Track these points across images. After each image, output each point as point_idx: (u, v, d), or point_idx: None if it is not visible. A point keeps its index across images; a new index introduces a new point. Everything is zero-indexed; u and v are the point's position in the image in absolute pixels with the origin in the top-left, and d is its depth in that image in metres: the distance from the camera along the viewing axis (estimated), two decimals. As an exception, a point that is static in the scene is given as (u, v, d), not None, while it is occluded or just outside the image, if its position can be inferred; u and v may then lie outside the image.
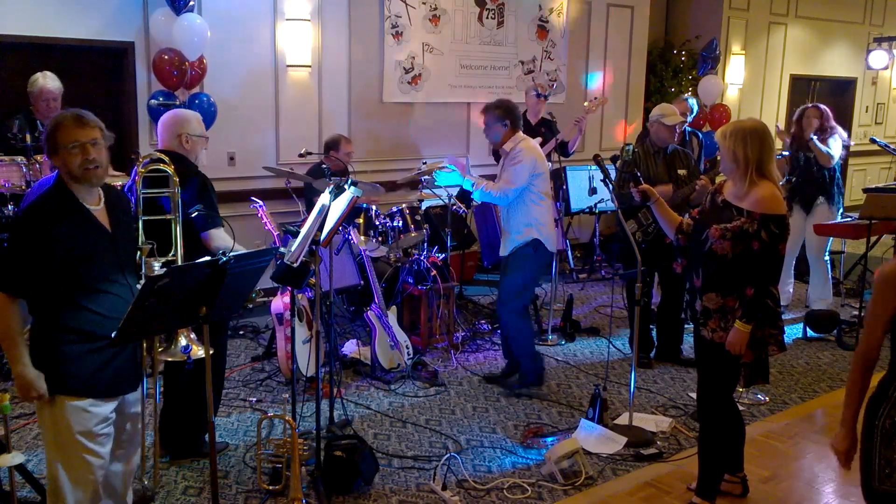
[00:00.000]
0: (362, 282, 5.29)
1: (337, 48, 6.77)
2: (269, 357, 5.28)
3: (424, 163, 6.41)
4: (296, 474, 3.37)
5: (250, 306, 5.87)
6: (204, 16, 5.89)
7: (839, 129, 6.30)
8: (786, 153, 6.36)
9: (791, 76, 10.97)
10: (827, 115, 6.25)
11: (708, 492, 3.43)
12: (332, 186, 3.51)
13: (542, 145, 6.04)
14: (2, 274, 2.55)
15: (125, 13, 5.80)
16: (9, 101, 5.41)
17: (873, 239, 6.40)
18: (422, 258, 5.50)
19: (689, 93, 9.04)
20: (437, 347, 5.56)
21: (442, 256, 5.66)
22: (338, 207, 3.46)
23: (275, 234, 4.71)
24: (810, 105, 6.36)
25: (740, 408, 3.74)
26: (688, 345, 5.34)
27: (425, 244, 5.77)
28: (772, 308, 3.20)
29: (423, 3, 7.20)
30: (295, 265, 3.31)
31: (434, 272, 5.40)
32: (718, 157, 3.52)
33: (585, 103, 6.96)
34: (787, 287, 6.73)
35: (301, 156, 5.60)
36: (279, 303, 4.80)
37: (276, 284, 3.64)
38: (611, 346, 5.62)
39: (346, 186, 3.51)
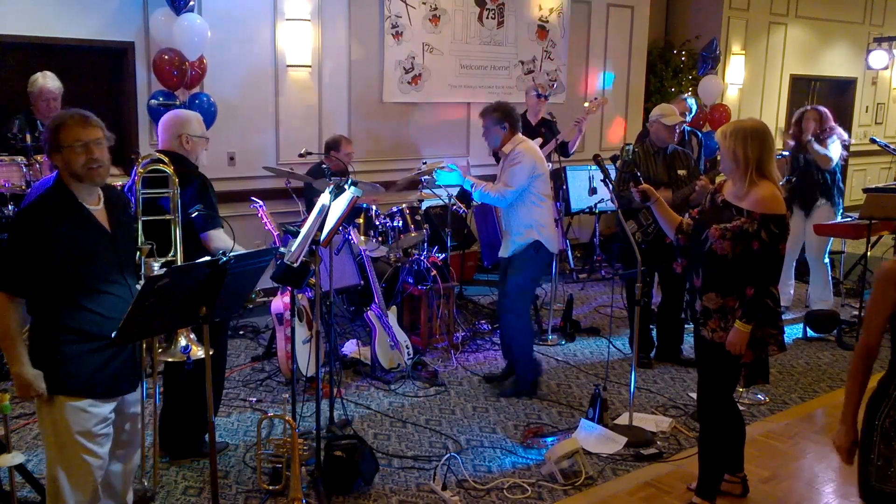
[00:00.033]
0: (362, 282, 5.29)
1: (337, 48, 6.77)
2: (269, 357, 5.28)
3: (424, 163, 6.42)
4: (296, 474, 3.37)
5: (250, 307, 5.90)
6: (204, 16, 5.89)
7: (839, 130, 6.26)
8: (786, 153, 6.35)
9: (791, 76, 10.97)
10: (826, 117, 6.21)
11: (708, 492, 3.43)
12: (332, 186, 3.51)
13: (542, 146, 6.04)
14: (1, 273, 2.55)
15: (125, 13, 5.80)
16: (9, 101, 5.41)
17: (873, 239, 6.41)
18: (422, 258, 5.50)
19: (689, 93, 9.04)
20: (437, 347, 5.56)
21: (442, 256, 5.66)
22: (338, 207, 3.46)
23: (275, 234, 4.72)
24: (809, 107, 6.34)
25: (740, 408, 3.74)
26: (688, 345, 5.34)
27: (425, 244, 5.77)
28: (772, 308, 3.20)
29: (423, 3, 7.20)
30: (295, 265, 3.31)
31: (434, 272, 5.40)
32: (718, 157, 3.52)
33: (586, 104, 6.97)
34: (789, 290, 6.72)
35: (301, 156, 5.61)
36: (279, 303, 4.80)
37: (276, 284, 3.64)
38: (611, 346, 5.62)
39: (346, 186, 3.51)
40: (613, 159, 4.98)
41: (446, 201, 6.00)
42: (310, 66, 6.60)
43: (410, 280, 5.52)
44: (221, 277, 2.59)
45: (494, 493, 3.62)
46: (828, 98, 11.71)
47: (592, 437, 4.12)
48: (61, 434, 2.64)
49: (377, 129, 7.13)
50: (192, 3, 5.69)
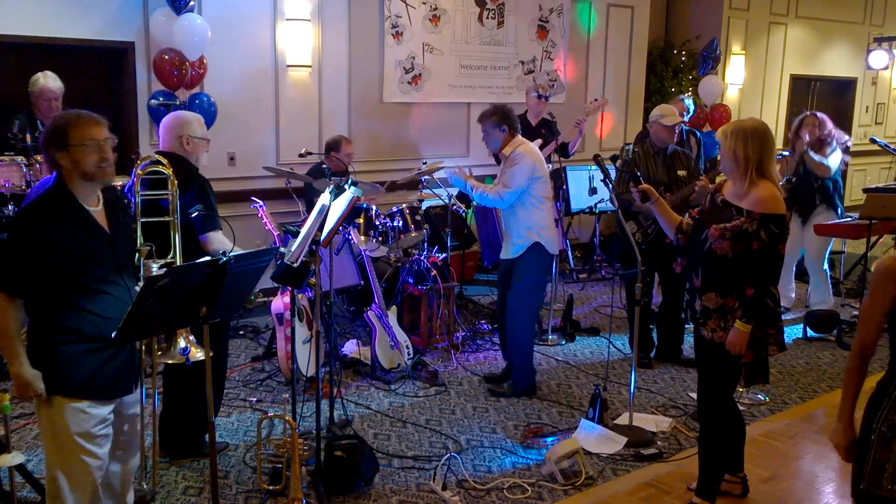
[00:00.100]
0: (362, 282, 5.29)
1: (337, 48, 6.77)
2: (269, 357, 5.28)
3: (425, 163, 6.42)
4: (296, 474, 3.37)
5: (249, 307, 5.91)
6: (204, 16, 5.89)
7: (838, 135, 6.15)
8: (786, 153, 6.33)
9: (791, 76, 10.97)
10: (823, 123, 6.09)
11: (708, 492, 3.43)
12: (332, 186, 3.51)
13: (542, 147, 6.04)
14: (1, 273, 2.55)
15: (125, 13, 5.80)
16: (9, 101, 5.41)
17: (873, 239, 6.40)
18: (422, 258, 5.50)
19: (689, 93, 9.05)
20: (437, 347, 5.56)
21: (442, 256, 5.66)
22: (338, 207, 3.46)
23: (275, 234, 4.72)
24: (808, 113, 6.27)
25: (740, 408, 3.74)
26: (688, 345, 5.34)
27: (425, 244, 5.77)
28: (771, 308, 3.20)
29: (423, 3, 7.20)
30: (295, 265, 3.31)
31: (434, 272, 5.40)
32: (719, 157, 3.52)
33: (587, 105, 6.98)
34: (790, 293, 6.70)
35: (301, 156, 5.61)
36: (279, 303, 4.80)
37: (276, 284, 3.64)
38: (611, 346, 5.62)
39: (346, 186, 3.51)
40: (613, 159, 4.98)
41: (446, 201, 6.00)
42: (310, 66, 6.60)
43: (410, 280, 5.52)
44: (221, 277, 2.59)
45: (494, 493, 3.62)
46: (828, 98, 11.71)
47: (592, 437, 4.13)
48: (60, 435, 2.64)
49: (377, 129, 7.13)
50: (192, 3, 5.69)
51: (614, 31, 8.80)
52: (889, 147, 7.65)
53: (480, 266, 7.25)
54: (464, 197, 6.37)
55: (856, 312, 6.18)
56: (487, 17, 7.66)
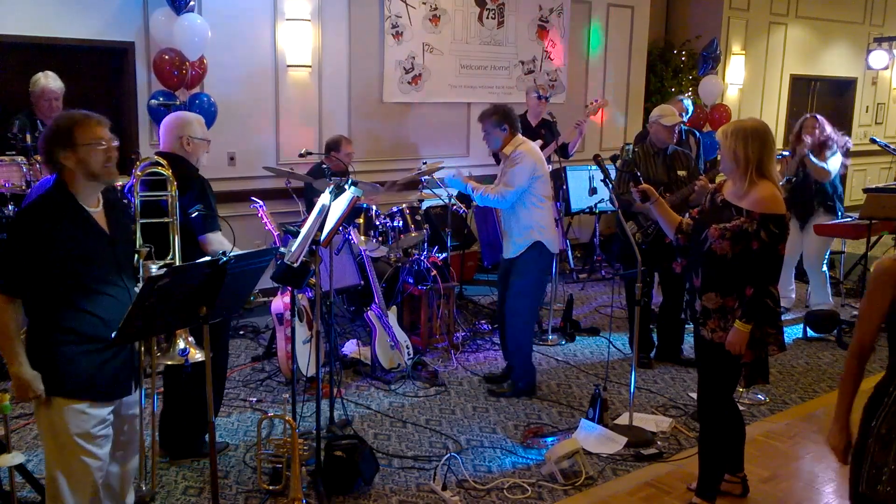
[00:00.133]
0: (362, 282, 5.30)
1: (337, 48, 6.77)
2: (270, 357, 5.28)
3: (425, 163, 6.42)
4: (296, 474, 3.37)
5: (249, 307, 5.91)
6: (204, 16, 5.89)
7: (837, 138, 6.11)
8: (786, 153, 6.33)
9: (791, 76, 10.97)
10: (822, 126, 6.07)
11: (708, 492, 3.43)
12: (332, 186, 3.51)
13: (542, 147, 6.04)
14: (0, 273, 2.55)
15: (125, 13, 5.80)
16: (9, 101, 5.41)
17: (873, 239, 6.41)
18: (422, 258, 5.50)
19: (689, 93, 9.06)
20: (438, 347, 5.56)
21: (442, 256, 5.66)
22: (338, 207, 3.46)
23: (275, 234, 4.72)
24: (808, 115, 6.26)
25: (740, 408, 3.74)
26: (688, 345, 5.34)
27: (425, 244, 5.77)
28: (771, 308, 3.20)
29: (423, 3, 7.20)
30: (295, 265, 3.31)
31: (434, 272, 5.40)
32: (719, 158, 3.52)
33: (588, 107, 6.99)
34: (790, 294, 6.70)
35: (301, 156, 5.61)
36: (279, 303, 4.80)
37: (276, 284, 3.64)
38: (611, 346, 5.62)
39: (346, 186, 3.51)
40: (613, 159, 4.98)
41: (446, 201, 6.01)
42: (310, 66, 6.60)
43: (410, 280, 5.52)
44: (221, 277, 2.59)
45: (494, 493, 3.62)
46: (828, 98, 11.72)
47: (592, 437, 4.13)
48: (60, 436, 2.63)
49: (377, 129, 7.13)
50: (192, 3, 5.69)
51: (614, 31, 8.80)
52: (889, 147, 7.66)
53: (480, 266, 7.25)
54: (464, 197, 6.35)
55: (856, 312, 6.18)
56: (487, 17, 7.67)
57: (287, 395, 3.83)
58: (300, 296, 4.68)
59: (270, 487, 3.53)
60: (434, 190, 6.12)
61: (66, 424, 2.61)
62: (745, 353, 3.19)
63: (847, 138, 6.30)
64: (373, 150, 7.10)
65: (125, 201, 3.33)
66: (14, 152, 4.80)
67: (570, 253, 7.88)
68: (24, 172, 4.72)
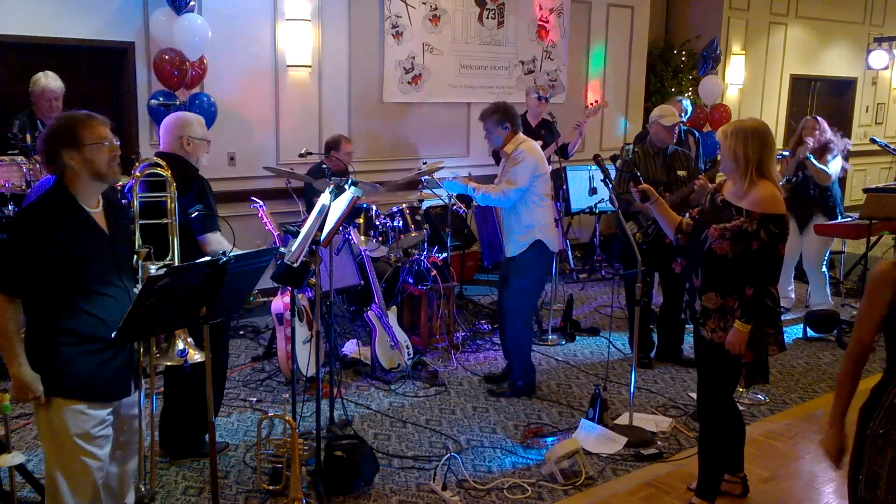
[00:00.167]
0: (362, 282, 5.29)
1: (337, 48, 6.77)
2: (270, 357, 5.28)
3: (425, 163, 6.42)
4: (296, 474, 3.37)
5: (249, 307, 5.91)
6: (204, 16, 5.89)
7: (837, 140, 6.11)
8: (786, 153, 6.34)
9: (791, 76, 10.97)
10: (822, 127, 6.08)
11: (708, 492, 3.43)
12: (332, 186, 3.51)
13: (542, 148, 6.04)
14: (0, 274, 2.55)
15: (125, 13, 5.80)
16: (9, 101, 5.41)
17: (873, 239, 6.40)
18: (422, 258, 5.50)
19: (689, 93, 9.06)
20: (438, 347, 5.56)
21: (442, 256, 5.66)
22: (338, 207, 3.46)
23: (275, 234, 4.72)
24: (809, 117, 6.25)
25: (740, 408, 3.74)
26: (688, 345, 5.34)
27: (425, 244, 5.77)
28: (771, 308, 3.20)
29: (423, 3, 7.20)
30: (295, 265, 3.31)
31: (434, 272, 5.40)
32: (719, 157, 3.52)
33: (587, 105, 6.99)
34: (790, 294, 6.70)
35: (301, 156, 5.61)
36: (279, 303, 4.80)
37: (276, 284, 3.64)
38: (611, 346, 5.62)
39: (346, 186, 3.51)
40: (613, 159, 4.98)
41: (446, 201, 6.01)
42: (310, 66, 6.60)
43: (410, 280, 5.52)
44: (221, 277, 2.59)
45: (494, 493, 3.62)
46: (828, 98, 11.72)
47: (592, 437, 4.13)
48: (59, 436, 2.63)
49: (377, 129, 7.13)
50: (192, 3, 5.69)
51: (614, 31, 8.80)
52: (889, 147, 7.66)
53: (480, 266, 7.25)
54: (464, 196, 6.36)
55: (856, 312, 6.17)
56: (487, 18, 7.66)
57: (287, 395, 3.83)
58: (300, 296, 4.68)
59: (270, 487, 3.53)
60: (434, 190, 6.12)
61: (66, 425, 2.61)
62: (745, 353, 3.19)
63: (847, 141, 6.30)
64: (373, 150, 7.10)
65: (124, 202, 3.32)
66: (14, 152, 4.80)
67: (570, 253, 7.88)
68: (24, 172, 4.72)
